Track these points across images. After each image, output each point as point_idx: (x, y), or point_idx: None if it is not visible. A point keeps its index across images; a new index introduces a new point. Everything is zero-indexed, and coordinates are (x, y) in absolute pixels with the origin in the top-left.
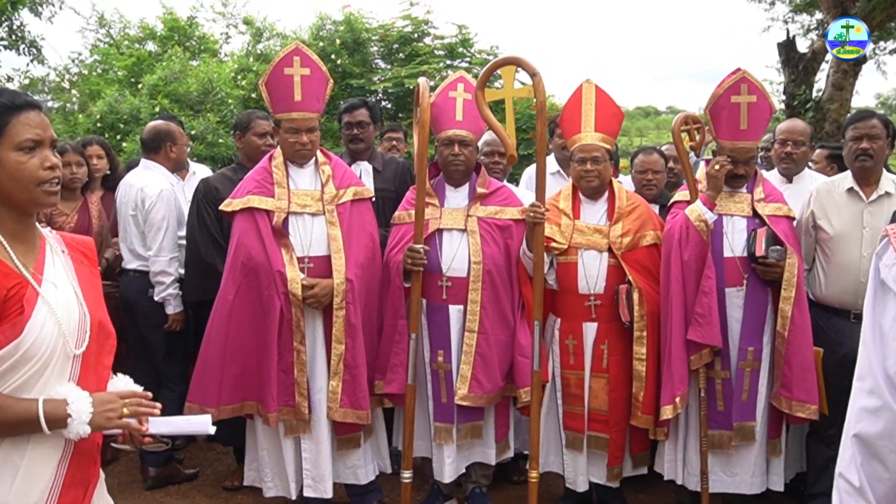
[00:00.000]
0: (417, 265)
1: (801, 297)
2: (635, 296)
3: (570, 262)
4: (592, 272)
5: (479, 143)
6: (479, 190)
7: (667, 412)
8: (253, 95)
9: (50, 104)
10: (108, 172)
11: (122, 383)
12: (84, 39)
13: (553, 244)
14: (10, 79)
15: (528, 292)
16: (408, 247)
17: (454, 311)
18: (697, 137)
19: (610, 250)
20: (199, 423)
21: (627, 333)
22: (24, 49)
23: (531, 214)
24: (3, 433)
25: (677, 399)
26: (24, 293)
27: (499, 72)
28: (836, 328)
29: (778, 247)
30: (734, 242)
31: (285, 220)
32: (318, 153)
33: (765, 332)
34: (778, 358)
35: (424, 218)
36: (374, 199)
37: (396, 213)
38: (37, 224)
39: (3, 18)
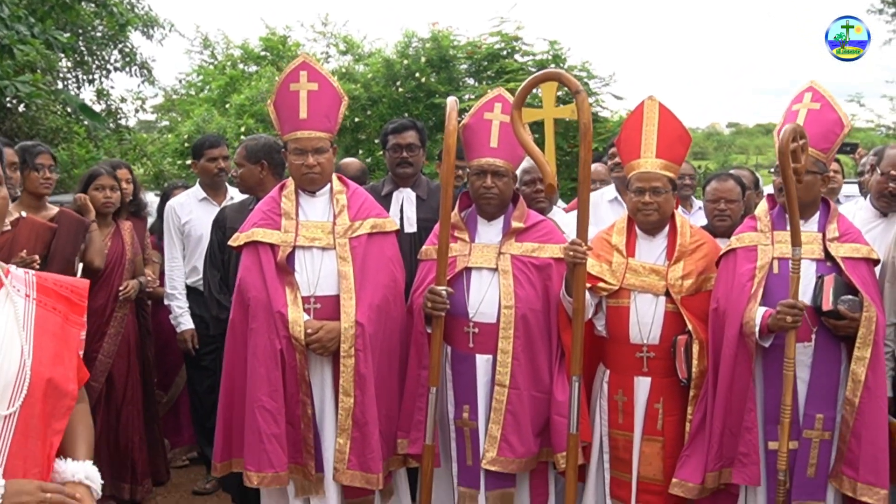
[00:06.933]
0: (439, 309)
1: (877, 359)
2: (695, 349)
3: (622, 307)
4: (646, 319)
5: (518, 171)
6: (515, 224)
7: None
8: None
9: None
10: (132, 198)
11: (72, 470)
12: (191, 61)
13: (601, 284)
14: (123, 100)
15: (568, 341)
16: (428, 288)
17: (482, 361)
18: (803, 159)
19: (668, 294)
20: None
21: (686, 391)
22: (135, 71)
23: (570, 254)
24: None
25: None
26: None
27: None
28: None
29: (851, 297)
30: (801, 290)
31: (291, 255)
32: (335, 180)
33: (839, 397)
34: (844, 429)
35: (451, 255)
36: (398, 231)
37: (423, 248)
38: None
39: (115, 41)
